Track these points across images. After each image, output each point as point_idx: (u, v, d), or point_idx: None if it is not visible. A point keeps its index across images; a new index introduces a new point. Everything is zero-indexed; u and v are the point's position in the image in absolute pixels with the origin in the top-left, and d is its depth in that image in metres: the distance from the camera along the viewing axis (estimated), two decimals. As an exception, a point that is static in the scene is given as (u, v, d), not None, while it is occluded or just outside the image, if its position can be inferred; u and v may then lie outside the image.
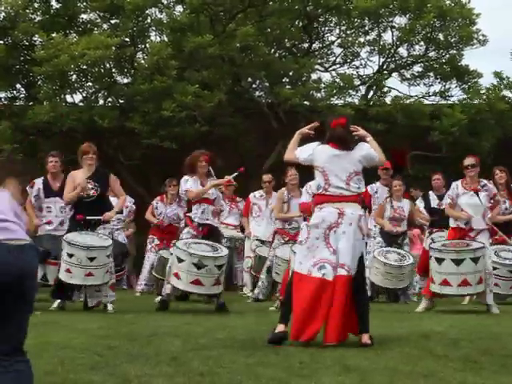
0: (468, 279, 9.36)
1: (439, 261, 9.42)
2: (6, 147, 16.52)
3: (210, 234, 9.65)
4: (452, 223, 10.02)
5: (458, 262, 9.32)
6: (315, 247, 6.42)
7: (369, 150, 6.64)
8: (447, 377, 4.77)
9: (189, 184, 9.75)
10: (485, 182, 9.93)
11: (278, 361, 5.36)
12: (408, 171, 16.97)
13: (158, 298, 11.06)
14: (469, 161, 9.95)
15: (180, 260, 9.21)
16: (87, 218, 9.19)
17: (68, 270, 8.99)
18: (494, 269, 10.45)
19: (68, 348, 5.86)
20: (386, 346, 6.12)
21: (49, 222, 10.36)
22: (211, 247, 9.38)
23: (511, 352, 5.72)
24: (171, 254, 9.69)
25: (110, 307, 9.21)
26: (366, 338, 6.29)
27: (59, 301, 9.30)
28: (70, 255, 8.94)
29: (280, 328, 6.39)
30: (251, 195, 12.89)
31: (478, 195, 9.82)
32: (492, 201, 10.03)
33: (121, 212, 12.71)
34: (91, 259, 8.92)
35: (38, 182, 10.50)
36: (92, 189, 9.26)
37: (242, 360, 5.34)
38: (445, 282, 9.39)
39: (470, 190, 9.86)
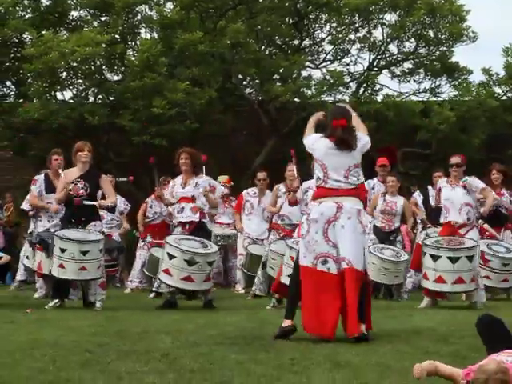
0: (463, 277, 9.43)
1: (435, 258, 9.45)
2: (-4, 144, 16.51)
3: (196, 231, 9.66)
4: (442, 219, 10.09)
5: (453, 260, 9.37)
6: (315, 241, 6.44)
7: (364, 137, 6.65)
8: (438, 373, 4.79)
9: (169, 187, 9.98)
10: (466, 178, 10.01)
11: (269, 357, 5.37)
12: (398, 168, 17.01)
13: (152, 295, 11.10)
14: (454, 160, 10.04)
15: (171, 256, 9.20)
16: (84, 202, 9.18)
17: (61, 266, 8.97)
18: (487, 261, 10.54)
19: (59, 346, 5.86)
20: (376, 343, 6.14)
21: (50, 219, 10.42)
22: (201, 243, 9.39)
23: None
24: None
25: (98, 304, 9.20)
26: (362, 327, 6.33)
27: (56, 300, 9.26)
28: (63, 250, 8.93)
29: (287, 323, 6.43)
30: (244, 192, 12.88)
31: (461, 189, 9.92)
32: (481, 195, 10.10)
33: (113, 211, 12.72)
34: (84, 253, 8.92)
35: (40, 179, 10.54)
36: (82, 188, 9.25)
37: (232, 357, 5.35)
38: (440, 280, 9.44)
39: (453, 184, 9.96)
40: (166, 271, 9.27)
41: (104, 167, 16.24)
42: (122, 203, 13.19)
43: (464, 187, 9.96)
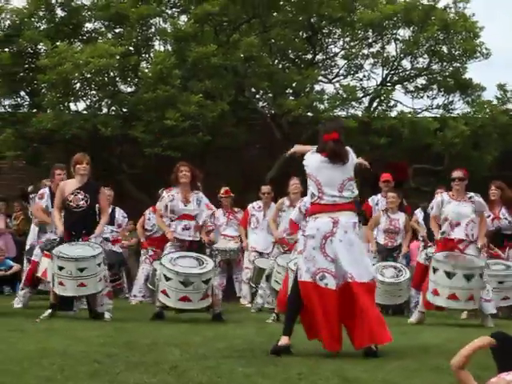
0: (474, 294, 9.43)
1: (450, 275, 9.40)
2: (10, 154, 16.56)
3: (193, 247, 9.69)
4: (436, 236, 10.09)
5: (469, 278, 9.35)
6: (312, 257, 6.43)
7: (351, 150, 6.67)
8: (446, 390, 4.78)
9: (161, 202, 10.00)
10: (472, 194, 9.98)
11: (277, 372, 5.37)
12: (409, 184, 16.99)
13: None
14: (456, 174, 10.02)
15: (167, 278, 9.26)
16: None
17: (61, 283, 9.00)
18: None
19: (67, 355, 5.87)
20: (384, 359, 6.13)
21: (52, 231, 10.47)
22: (196, 260, 9.39)
23: (510, 366, 5.72)
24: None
25: (107, 315, 9.22)
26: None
27: (50, 310, 9.21)
28: (61, 268, 8.95)
29: (284, 340, 6.39)
30: (250, 206, 12.91)
31: (469, 204, 9.88)
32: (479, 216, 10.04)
33: (111, 223, 12.74)
34: (81, 270, 8.91)
35: (47, 193, 10.61)
36: (82, 199, 9.28)
37: (240, 370, 5.35)
38: (453, 297, 9.40)
39: (457, 200, 9.92)
40: (164, 292, 9.33)
41: (117, 178, 16.32)
42: (120, 215, 13.19)
43: (471, 203, 9.92)
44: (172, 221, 9.90)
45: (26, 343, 6.58)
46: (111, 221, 12.71)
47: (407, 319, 10.29)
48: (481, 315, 9.75)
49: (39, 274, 10.69)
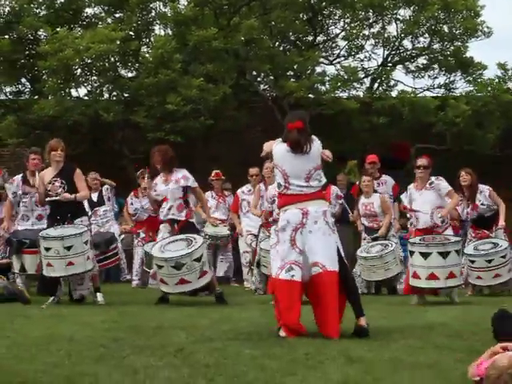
0: (454, 271, 9.46)
1: (425, 255, 9.42)
2: (12, 141, 16.57)
3: (183, 229, 9.69)
4: (409, 225, 10.20)
5: (444, 255, 9.36)
6: (282, 250, 6.43)
7: (316, 139, 6.58)
8: (451, 367, 4.80)
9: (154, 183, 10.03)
10: (432, 179, 9.99)
11: (284, 353, 5.39)
12: (412, 164, 16.98)
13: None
14: (421, 161, 10.08)
15: (159, 267, 9.30)
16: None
17: (49, 264, 9.04)
18: (472, 262, 10.59)
19: (74, 341, 5.90)
20: (389, 338, 6.15)
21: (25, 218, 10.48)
22: (186, 241, 9.40)
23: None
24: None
25: (99, 297, 9.28)
26: (361, 321, 6.37)
27: (52, 298, 9.24)
28: (48, 249, 8.99)
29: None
30: (239, 191, 12.82)
31: (431, 192, 9.95)
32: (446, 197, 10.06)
33: (103, 203, 12.79)
34: (68, 248, 8.94)
35: (18, 179, 10.57)
36: (60, 187, 9.29)
37: (247, 352, 5.37)
38: (432, 276, 9.41)
39: (419, 189, 9.97)
40: (162, 280, 9.35)
41: (119, 164, 16.33)
42: (107, 189, 13.26)
43: (432, 189, 9.94)
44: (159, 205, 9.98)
45: (33, 329, 6.61)
46: (101, 202, 12.79)
47: (407, 298, 10.32)
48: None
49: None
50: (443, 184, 10.04)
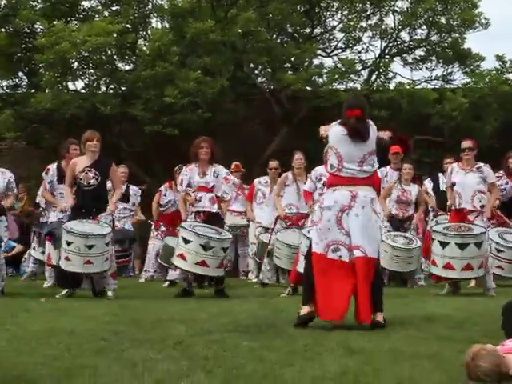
0: (472, 263, 9.42)
1: (443, 244, 9.44)
2: (9, 135, 16.54)
3: (210, 220, 9.66)
4: (451, 203, 10.13)
5: (462, 247, 9.36)
6: (327, 229, 6.42)
7: (372, 124, 6.59)
8: (451, 358, 4.79)
9: (182, 176, 9.94)
10: (481, 164, 10.00)
11: (282, 344, 5.38)
12: (411, 156, 16.97)
13: (166, 284, 11.19)
14: (466, 144, 10.06)
15: (186, 241, 9.24)
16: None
17: (67, 258, 9.00)
18: (499, 251, 10.53)
19: (74, 334, 5.89)
20: (389, 329, 6.15)
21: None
22: (215, 230, 9.42)
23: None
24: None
25: (110, 293, 9.24)
26: (378, 317, 6.35)
27: (66, 290, 9.30)
28: (69, 243, 8.94)
29: (304, 310, 6.40)
30: (256, 181, 12.89)
31: (475, 175, 9.93)
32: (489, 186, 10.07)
33: (125, 200, 12.80)
34: (89, 247, 8.91)
35: (52, 168, 10.59)
36: (93, 177, 9.26)
37: (245, 344, 5.36)
38: (448, 266, 9.43)
39: (466, 169, 9.97)
40: (181, 256, 9.30)
41: (116, 157, 16.30)
42: (133, 193, 13.24)
43: (479, 173, 9.94)
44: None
45: (33, 323, 6.60)
46: (125, 198, 12.80)
47: (407, 290, 10.31)
48: (483, 285, 9.79)
49: (43, 258, 10.75)
50: (492, 173, 10.16)
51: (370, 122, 6.61)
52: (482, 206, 9.89)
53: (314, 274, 6.41)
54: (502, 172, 11.77)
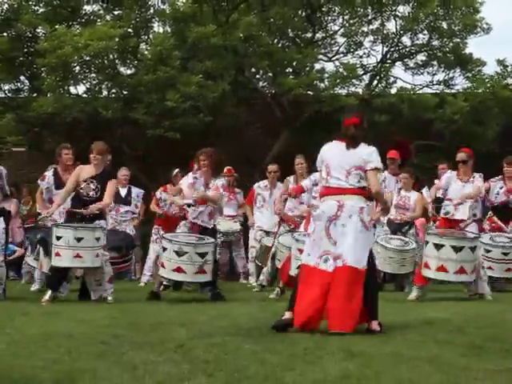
0: (465, 267, 9.42)
1: (438, 247, 9.43)
2: (11, 139, 16.55)
3: (203, 233, 9.68)
4: (441, 213, 10.21)
5: (457, 250, 9.36)
6: (319, 239, 6.48)
7: (372, 154, 6.57)
8: (451, 361, 4.80)
9: (184, 180, 9.96)
10: (476, 175, 10.12)
11: (283, 348, 5.39)
12: (413, 161, 16.96)
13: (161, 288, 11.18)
14: (460, 157, 10.24)
15: (164, 249, 9.35)
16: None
17: (57, 254, 8.99)
18: (488, 251, 10.56)
19: (74, 337, 5.88)
20: (390, 333, 6.15)
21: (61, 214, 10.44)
22: (197, 238, 9.45)
23: (516, 338, 5.75)
24: None
25: (109, 298, 9.21)
26: (373, 325, 6.35)
27: (50, 292, 9.19)
28: (58, 238, 8.95)
29: (286, 315, 6.42)
30: (256, 185, 12.92)
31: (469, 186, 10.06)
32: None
33: (128, 203, 12.82)
34: (79, 240, 8.90)
35: (49, 175, 10.59)
36: (93, 190, 9.27)
37: (246, 347, 5.36)
38: (442, 269, 9.42)
39: (463, 181, 10.07)
40: (162, 264, 9.40)
41: (118, 161, 16.31)
42: (136, 196, 13.26)
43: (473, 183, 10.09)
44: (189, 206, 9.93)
45: (32, 327, 6.59)
46: (126, 201, 12.81)
47: (407, 295, 10.30)
48: (474, 290, 9.77)
49: (37, 265, 10.71)
50: (480, 181, 10.35)
51: (374, 148, 6.58)
52: (475, 215, 10.00)
53: (298, 283, 6.47)
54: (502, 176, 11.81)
